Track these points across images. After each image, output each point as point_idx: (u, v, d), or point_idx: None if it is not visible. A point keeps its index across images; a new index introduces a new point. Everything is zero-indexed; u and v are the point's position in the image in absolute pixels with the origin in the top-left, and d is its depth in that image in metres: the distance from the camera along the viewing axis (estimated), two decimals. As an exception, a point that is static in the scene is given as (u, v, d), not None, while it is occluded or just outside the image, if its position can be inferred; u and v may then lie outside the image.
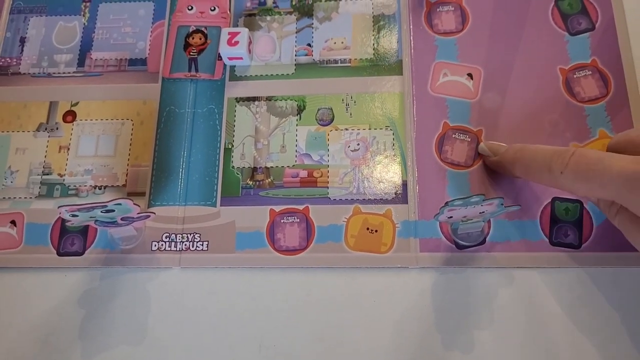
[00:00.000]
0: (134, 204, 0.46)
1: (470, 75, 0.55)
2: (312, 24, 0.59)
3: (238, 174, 0.54)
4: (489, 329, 0.48)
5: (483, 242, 0.50)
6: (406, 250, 0.50)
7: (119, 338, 0.50)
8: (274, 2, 0.60)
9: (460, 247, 0.50)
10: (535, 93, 0.54)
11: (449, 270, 0.50)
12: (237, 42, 0.56)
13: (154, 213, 0.50)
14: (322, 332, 0.49)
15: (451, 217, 0.46)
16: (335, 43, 0.58)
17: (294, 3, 0.60)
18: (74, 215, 0.46)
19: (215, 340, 0.49)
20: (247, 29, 0.56)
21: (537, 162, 0.45)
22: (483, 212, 0.46)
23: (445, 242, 0.50)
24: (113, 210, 0.46)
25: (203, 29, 0.59)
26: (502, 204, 0.45)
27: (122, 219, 0.49)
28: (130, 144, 0.56)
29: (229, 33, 0.56)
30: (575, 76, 0.54)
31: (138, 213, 0.48)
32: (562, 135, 0.53)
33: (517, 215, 0.50)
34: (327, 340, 0.49)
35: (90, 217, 0.47)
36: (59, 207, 0.44)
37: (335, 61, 0.57)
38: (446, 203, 0.43)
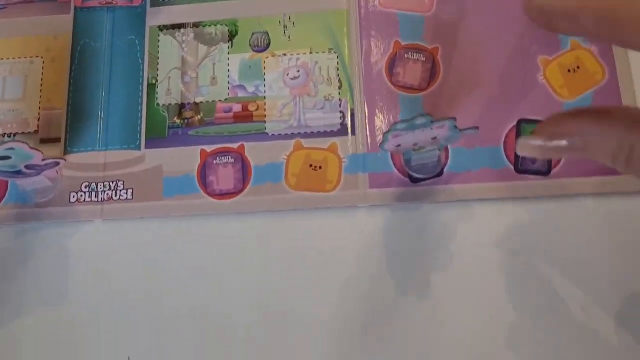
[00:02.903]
0: (31, 147, 0.40)
1: (423, -14, 0.48)
2: (242, -64, 0.51)
3: (164, 112, 0.48)
4: (446, 272, 0.43)
5: (440, 173, 0.44)
6: (354, 187, 0.45)
7: (37, 301, 0.45)
8: None
9: (414, 181, 0.44)
10: (497, 2, 0.47)
11: (402, 207, 0.44)
12: (154, -40, 0.48)
13: (64, 159, 0.44)
14: (263, 284, 0.44)
15: (399, 145, 0.40)
16: (269, -44, 0.50)
17: None
18: (-36, 166, 0.40)
19: (143, 300, 0.44)
20: (165, -56, 0.49)
21: None
22: (435, 137, 0.40)
23: (398, 175, 0.45)
24: (9, 157, 0.40)
25: (118, -52, 0.52)
26: (455, 126, 0.38)
27: (27, 167, 0.43)
28: (41, 85, 0.49)
29: (145, -50, 0.49)
30: (543, -19, 0.48)
31: (43, 159, 0.42)
32: (529, 49, 0.46)
33: (478, 141, 0.45)
34: (269, 292, 0.43)
35: (-13, 167, 0.41)
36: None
37: (270, -23, 0.50)
38: (389, 127, 0.37)
